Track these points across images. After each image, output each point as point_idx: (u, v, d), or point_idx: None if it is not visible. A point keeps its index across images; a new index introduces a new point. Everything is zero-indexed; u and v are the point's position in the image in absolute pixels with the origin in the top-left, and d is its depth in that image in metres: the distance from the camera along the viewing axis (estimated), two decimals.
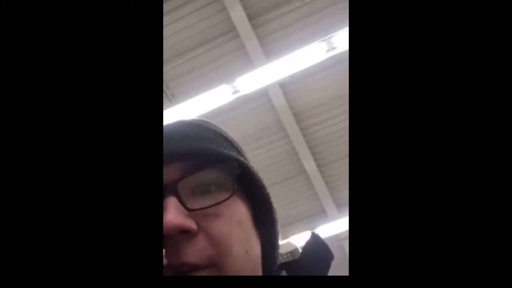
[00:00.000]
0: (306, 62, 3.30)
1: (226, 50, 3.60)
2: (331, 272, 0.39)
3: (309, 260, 0.40)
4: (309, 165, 4.15)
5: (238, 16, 3.39)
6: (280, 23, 3.49)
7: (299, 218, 4.42)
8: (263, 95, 3.77)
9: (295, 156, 4.14)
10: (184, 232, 0.34)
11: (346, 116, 3.93)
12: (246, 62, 3.55)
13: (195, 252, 0.34)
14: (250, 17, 3.44)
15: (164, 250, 0.33)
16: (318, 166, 4.20)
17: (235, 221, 0.36)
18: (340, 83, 3.76)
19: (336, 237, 4.42)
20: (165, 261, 0.33)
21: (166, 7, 3.32)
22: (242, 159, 0.39)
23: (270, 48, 3.54)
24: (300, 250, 0.41)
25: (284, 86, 3.75)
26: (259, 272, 0.38)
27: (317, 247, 0.40)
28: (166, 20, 3.37)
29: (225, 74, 3.49)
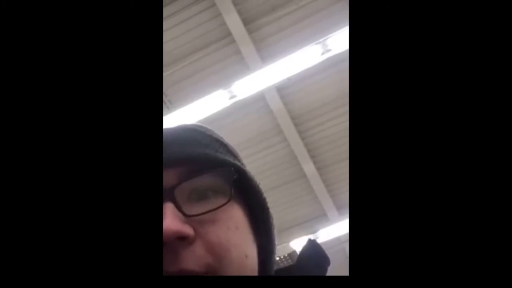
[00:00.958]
0: (302, 65, 3.31)
1: (222, 56, 3.62)
2: (333, 274, 0.39)
3: (306, 266, 0.39)
4: (309, 168, 4.15)
5: (233, 21, 3.41)
6: (275, 27, 3.51)
7: (300, 222, 4.41)
8: (260, 99, 3.79)
9: (294, 159, 4.15)
10: (182, 239, 0.33)
11: (343, 117, 3.95)
12: (242, 67, 3.56)
13: (193, 259, 0.34)
14: (245, 22, 3.46)
15: None
16: (318, 169, 4.20)
17: (232, 227, 0.36)
18: (336, 85, 3.78)
19: (337, 240, 4.42)
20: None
21: None
22: (238, 164, 0.39)
23: (266, 52, 3.55)
24: (298, 253, 0.41)
25: (280, 89, 3.76)
26: None
27: (313, 252, 0.40)
28: None
29: (222, 80, 3.50)
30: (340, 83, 3.76)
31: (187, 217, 0.34)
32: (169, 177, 0.35)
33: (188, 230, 0.34)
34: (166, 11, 3.35)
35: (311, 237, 0.41)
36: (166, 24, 3.39)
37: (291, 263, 0.41)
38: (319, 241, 0.41)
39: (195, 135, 0.40)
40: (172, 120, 3.34)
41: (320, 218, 4.48)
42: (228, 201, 0.36)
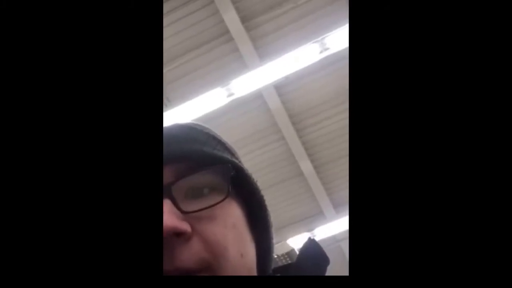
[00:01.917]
0: (300, 64, 3.31)
1: (220, 53, 3.60)
2: (329, 274, 0.39)
3: (304, 265, 0.39)
4: (306, 166, 4.15)
5: (231, 19, 3.40)
6: (273, 25, 3.50)
7: (297, 220, 4.42)
8: (258, 97, 3.78)
9: (292, 157, 4.15)
10: (179, 235, 0.33)
11: (341, 116, 3.95)
12: (240, 65, 3.55)
13: (190, 256, 0.34)
14: (243, 20, 3.45)
15: None
16: (315, 167, 4.20)
17: (229, 224, 0.36)
18: (334, 84, 3.78)
19: (333, 238, 4.43)
20: None
21: None
22: (236, 161, 0.39)
23: (263, 50, 3.54)
24: (296, 252, 0.41)
25: (278, 88, 3.76)
26: (254, 275, 0.37)
27: (313, 251, 0.40)
28: None
29: (220, 77, 3.49)
30: (337, 81, 3.75)
31: (184, 214, 0.34)
32: (166, 174, 0.35)
33: (184, 226, 0.34)
34: (166, 8, 3.34)
35: (308, 235, 0.41)
36: (165, 21, 3.37)
37: (289, 262, 0.41)
38: (315, 239, 0.41)
39: (192, 133, 0.40)
40: (170, 117, 3.33)
41: (317, 216, 4.48)
42: (225, 198, 0.36)
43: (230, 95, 3.42)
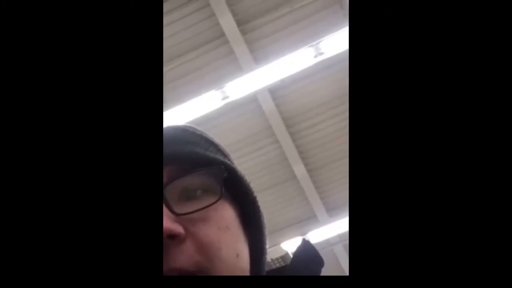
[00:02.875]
0: (295, 67, 3.32)
1: (215, 56, 3.60)
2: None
3: (299, 267, 0.39)
4: (299, 169, 4.15)
5: (227, 22, 3.40)
6: (269, 29, 3.51)
7: (290, 224, 4.41)
8: (252, 100, 3.78)
9: (285, 161, 4.15)
10: (172, 237, 0.33)
11: (335, 120, 3.97)
12: (235, 68, 3.56)
13: (183, 257, 0.33)
14: (239, 23, 3.45)
15: None
16: (308, 171, 4.21)
17: (223, 226, 0.36)
18: (328, 88, 3.79)
19: (327, 242, 4.43)
20: None
21: None
22: (229, 163, 0.39)
23: (259, 53, 3.55)
24: (290, 255, 0.41)
25: (273, 91, 3.76)
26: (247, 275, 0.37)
27: (307, 253, 0.40)
28: None
29: (215, 80, 3.49)
30: (332, 86, 3.77)
31: (177, 216, 0.34)
32: None
33: (178, 228, 0.33)
34: None
35: (301, 238, 0.41)
36: None
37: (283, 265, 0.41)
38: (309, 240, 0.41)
39: (185, 135, 0.40)
40: (164, 119, 3.31)
41: (310, 219, 4.48)
42: (218, 199, 0.36)
43: (225, 98, 3.42)
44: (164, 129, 0.40)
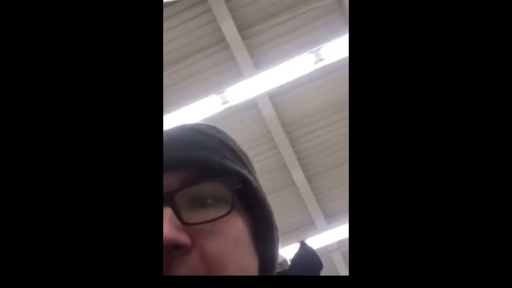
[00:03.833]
0: (295, 74, 3.33)
1: (216, 61, 3.62)
2: None
3: (299, 271, 0.39)
4: (298, 176, 4.15)
5: (228, 27, 3.42)
6: (270, 35, 3.53)
7: (288, 230, 4.40)
8: (252, 105, 3.79)
9: (284, 167, 4.15)
10: (178, 248, 0.32)
11: (334, 126, 3.98)
12: (236, 73, 3.57)
13: (186, 270, 0.32)
14: (240, 28, 3.47)
15: None
16: (307, 177, 4.21)
17: (231, 239, 0.35)
18: (328, 94, 3.81)
19: (325, 249, 4.41)
20: None
21: None
22: (245, 172, 0.38)
23: (259, 59, 3.57)
24: (289, 262, 0.40)
25: (273, 97, 3.77)
26: None
27: (307, 257, 0.39)
28: None
29: (215, 85, 3.50)
30: (332, 92, 3.79)
31: (185, 225, 0.33)
32: (171, 181, 0.34)
33: (184, 239, 0.32)
34: (163, 14, 3.34)
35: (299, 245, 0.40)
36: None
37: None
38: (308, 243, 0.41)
39: (202, 138, 0.38)
40: (164, 123, 3.31)
41: (308, 226, 4.47)
42: (229, 212, 0.34)
43: (225, 102, 3.43)
44: (182, 130, 0.39)
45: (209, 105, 3.41)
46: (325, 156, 4.13)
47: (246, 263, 0.36)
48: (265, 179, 4.17)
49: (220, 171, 0.36)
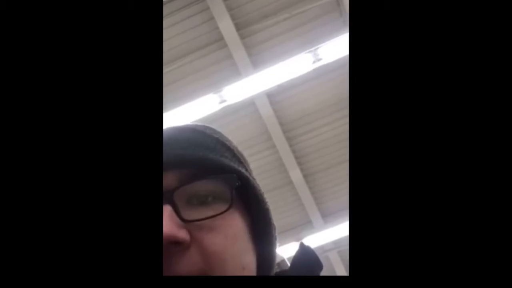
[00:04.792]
0: (293, 73, 3.33)
1: (214, 60, 3.61)
2: None
3: (299, 272, 0.39)
4: (295, 175, 4.16)
5: (226, 26, 3.41)
6: (268, 34, 3.53)
7: (286, 229, 4.40)
8: (250, 104, 3.79)
9: (282, 166, 4.15)
10: (177, 244, 0.33)
11: (332, 126, 3.98)
12: (234, 72, 3.56)
13: (186, 265, 0.33)
14: (238, 27, 3.47)
15: None
16: (304, 176, 4.21)
17: (230, 235, 0.35)
18: (326, 94, 3.81)
19: (321, 248, 4.42)
20: None
21: None
22: (243, 170, 0.38)
23: (257, 58, 3.56)
24: (287, 262, 0.40)
25: (271, 96, 3.77)
26: None
27: (306, 257, 0.40)
28: None
29: (212, 84, 3.49)
30: (329, 92, 3.79)
31: (185, 222, 0.33)
32: (170, 179, 0.35)
33: (183, 235, 0.33)
34: None
35: (296, 244, 0.40)
36: None
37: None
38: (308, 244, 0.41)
39: (200, 137, 0.38)
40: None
41: (305, 225, 4.48)
42: (228, 209, 0.35)
43: (222, 101, 3.42)
44: (180, 130, 0.39)
45: (206, 104, 3.40)
46: (323, 155, 4.14)
47: (245, 260, 0.36)
48: (262, 178, 4.17)
49: (218, 169, 0.36)
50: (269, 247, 0.39)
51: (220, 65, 3.62)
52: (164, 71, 3.56)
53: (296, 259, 0.40)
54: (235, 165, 0.38)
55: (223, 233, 0.35)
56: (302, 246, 0.40)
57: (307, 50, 3.23)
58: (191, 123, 0.41)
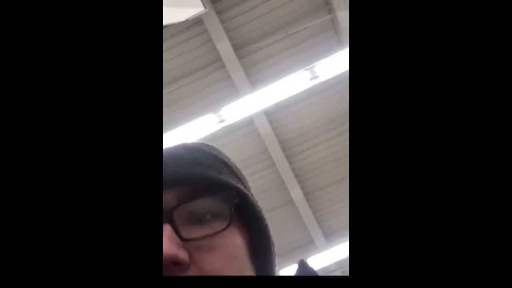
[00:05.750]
0: (291, 91, 3.37)
1: (212, 80, 3.66)
2: None
3: None
4: (296, 193, 4.13)
5: (224, 47, 3.48)
6: (265, 54, 3.59)
7: (288, 250, 4.34)
8: (248, 124, 3.81)
9: (282, 185, 4.13)
10: (176, 264, 0.32)
11: (330, 143, 3.99)
12: (232, 92, 3.60)
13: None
14: (236, 48, 3.53)
15: None
16: (305, 194, 4.18)
17: (229, 254, 0.35)
18: (324, 111, 3.84)
19: (325, 270, 4.34)
20: None
21: None
22: (241, 187, 0.38)
23: (255, 77, 3.61)
24: None
25: (269, 114, 3.80)
26: None
27: (306, 274, 0.39)
28: None
29: (211, 104, 3.53)
30: (328, 109, 3.82)
31: (184, 241, 0.33)
32: (169, 198, 0.35)
33: (183, 255, 0.33)
34: None
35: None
36: None
37: None
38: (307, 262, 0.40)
39: (198, 155, 0.39)
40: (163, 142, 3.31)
41: (308, 246, 4.42)
42: (226, 227, 0.35)
43: (221, 121, 3.44)
44: (178, 148, 0.40)
45: (205, 124, 3.42)
46: (323, 172, 4.13)
47: None
48: (263, 197, 4.14)
49: (217, 186, 0.36)
50: (268, 264, 0.39)
51: (218, 86, 3.66)
52: (163, 92, 3.59)
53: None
54: (233, 181, 0.38)
55: (221, 253, 0.34)
56: (301, 264, 0.40)
57: (304, 68, 3.28)
58: (189, 142, 0.42)
